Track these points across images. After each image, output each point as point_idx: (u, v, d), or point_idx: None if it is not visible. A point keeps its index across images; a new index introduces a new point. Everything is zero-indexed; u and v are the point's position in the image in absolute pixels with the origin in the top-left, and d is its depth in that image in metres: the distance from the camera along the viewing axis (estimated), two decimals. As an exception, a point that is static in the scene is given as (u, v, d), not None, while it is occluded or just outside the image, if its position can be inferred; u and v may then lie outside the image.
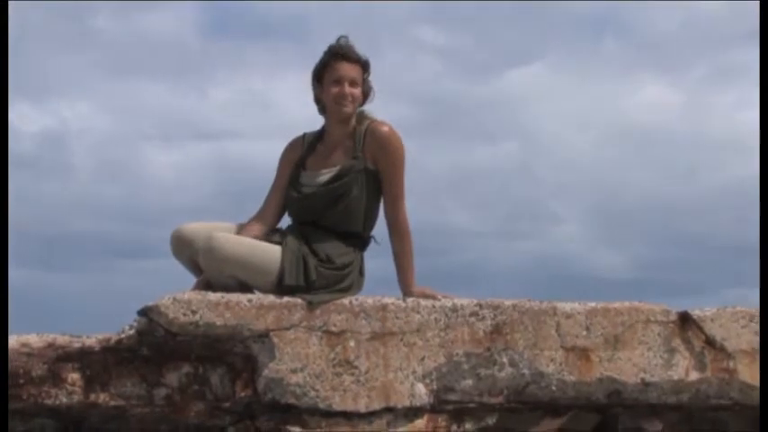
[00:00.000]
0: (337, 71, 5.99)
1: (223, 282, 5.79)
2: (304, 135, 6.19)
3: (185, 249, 5.88)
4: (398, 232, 6.03)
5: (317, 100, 6.11)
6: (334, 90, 5.99)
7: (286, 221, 6.18)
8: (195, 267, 5.89)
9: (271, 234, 5.99)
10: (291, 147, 6.18)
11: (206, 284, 5.77)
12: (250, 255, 5.80)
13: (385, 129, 5.99)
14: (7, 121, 5.94)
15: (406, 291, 5.95)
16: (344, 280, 5.88)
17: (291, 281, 5.74)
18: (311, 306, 5.69)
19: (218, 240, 5.78)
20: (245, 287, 5.81)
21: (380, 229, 6.08)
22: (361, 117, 6.06)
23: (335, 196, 5.95)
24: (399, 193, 6.02)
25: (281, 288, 5.74)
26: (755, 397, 6.13)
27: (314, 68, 6.08)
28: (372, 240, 6.10)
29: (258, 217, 6.10)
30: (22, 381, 5.48)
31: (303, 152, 6.12)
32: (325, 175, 6.00)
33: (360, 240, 6.03)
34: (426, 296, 5.90)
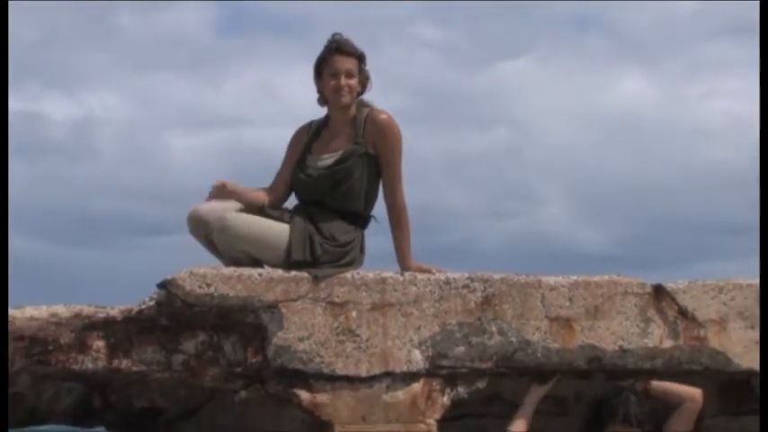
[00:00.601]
0: (334, 64, 5.98)
1: (236, 257, 5.81)
2: (311, 122, 6.19)
3: (201, 228, 5.89)
4: (397, 212, 6.03)
5: (319, 91, 6.12)
6: (332, 82, 5.98)
7: (292, 202, 6.19)
8: (210, 244, 5.91)
9: (278, 210, 6.00)
10: (299, 132, 6.18)
11: None
12: (260, 233, 5.82)
13: (384, 116, 6.00)
14: (7, 117, 5.87)
15: (404, 265, 5.96)
16: (347, 256, 5.88)
17: (299, 256, 5.76)
18: (316, 279, 5.72)
19: (230, 220, 5.80)
20: (255, 262, 5.84)
21: (380, 208, 6.09)
22: (361, 105, 6.06)
23: (338, 179, 5.95)
24: (397, 176, 6.02)
25: (288, 263, 5.76)
26: (724, 362, 6.13)
27: (315, 63, 6.08)
28: (372, 219, 6.10)
29: (268, 189, 6.12)
30: (51, 348, 5.49)
31: (309, 137, 6.12)
32: (329, 159, 5.99)
33: (361, 219, 6.02)
34: (422, 270, 5.91)
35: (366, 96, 6.13)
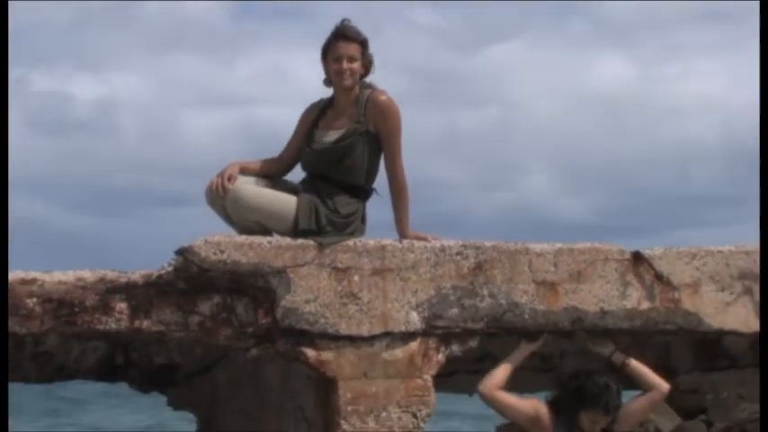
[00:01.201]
0: (338, 50, 5.96)
1: (248, 227, 5.83)
2: (321, 100, 6.16)
3: (218, 200, 5.92)
4: (397, 186, 6.03)
5: (326, 73, 6.12)
6: (335, 66, 5.97)
7: (297, 173, 6.20)
8: (227, 215, 5.95)
9: (286, 182, 6.03)
10: (310, 109, 6.17)
11: None
12: (269, 204, 5.84)
13: (383, 98, 5.98)
14: (7, 114, 5.76)
15: (403, 234, 5.97)
16: (349, 226, 5.89)
17: (305, 225, 5.78)
18: (321, 247, 5.73)
19: (242, 192, 5.82)
20: (266, 231, 5.86)
21: (381, 182, 6.11)
22: (363, 87, 6.04)
23: (340, 154, 5.94)
24: (397, 153, 6.01)
25: (295, 232, 5.78)
26: (696, 323, 6.15)
27: (322, 47, 6.06)
28: (374, 192, 6.10)
29: (278, 158, 6.13)
30: (77, 309, 5.50)
31: (317, 114, 6.10)
32: (333, 136, 5.98)
33: (362, 192, 6.02)
34: (419, 239, 5.93)
35: (370, 78, 6.12)
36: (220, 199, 5.88)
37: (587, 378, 5.79)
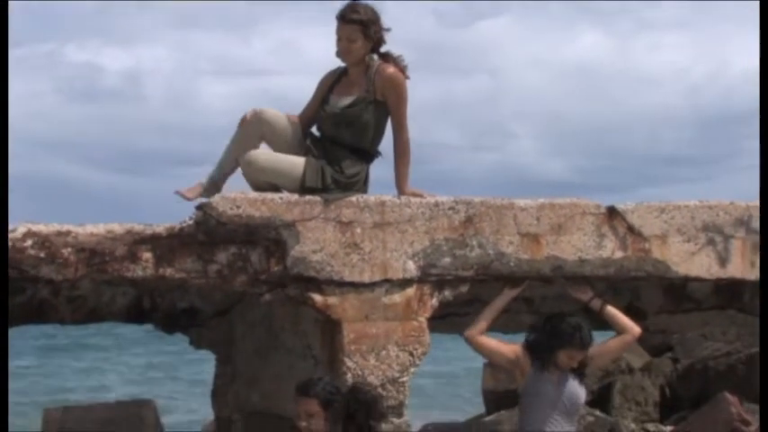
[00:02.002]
0: (339, 32, 5.92)
1: (261, 187, 5.85)
2: (338, 68, 6.11)
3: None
4: (401, 148, 6.00)
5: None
6: (338, 46, 5.95)
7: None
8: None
9: (302, 139, 6.02)
10: (327, 75, 6.12)
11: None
12: (279, 164, 5.83)
13: (390, 70, 5.92)
14: (7, 109, 5.66)
15: (401, 191, 5.97)
16: (353, 186, 5.89)
17: (311, 184, 5.78)
18: (327, 202, 5.74)
19: (254, 156, 5.84)
20: (278, 189, 5.88)
21: (385, 144, 6.10)
22: (371, 60, 5.97)
23: (349, 119, 5.92)
24: (403, 120, 5.98)
25: (302, 189, 5.79)
26: (664, 270, 6.16)
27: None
28: (378, 155, 6.06)
29: (298, 117, 6.08)
30: (107, 258, 5.52)
31: (333, 80, 6.07)
32: (344, 102, 5.95)
33: (367, 155, 6.00)
34: (416, 195, 5.93)
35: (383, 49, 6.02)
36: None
37: (561, 320, 5.76)
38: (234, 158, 5.95)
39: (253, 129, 5.95)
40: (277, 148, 5.94)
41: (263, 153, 5.89)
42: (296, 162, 5.85)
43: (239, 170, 5.96)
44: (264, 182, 5.85)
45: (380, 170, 6.09)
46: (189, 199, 5.85)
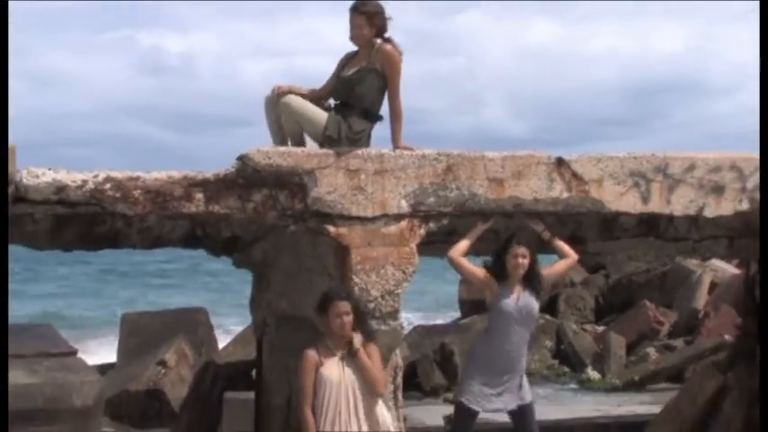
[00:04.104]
0: (350, 20, 5.87)
1: (291, 129, 5.82)
2: (352, 51, 6.03)
3: (273, 106, 5.90)
4: (395, 112, 5.94)
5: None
6: (349, 33, 5.90)
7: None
8: (273, 122, 5.92)
9: (322, 104, 5.96)
10: (344, 57, 6.06)
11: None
12: (309, 112, 5.80)
13: (388, 47, 5.87)
14: (7, 108, 5.36)
15: (396, 146, 5.92)
16: (360, 140, 5.84)
17: (331, 133, 5.75)
18: (338, 154, 5.70)
19: (292, 98, 5.82)
20: (301, 138, 5.83)
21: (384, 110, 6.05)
22: (374, 41, 5.91)
23: (354, 83, 5.85)
24: (396, 89, 5.91)
25: (323, 136, 5.76)
26: (600, 206, 6.13)
27: None
28: (380, 118, 5.98)
29: (319, 89, 6.01)
30: (168, 198, 5.50)
31: (347, 60, 6.02)
32: (351, 71, 5.90)
33: (371, 115, 5.92)
34: (407, 149, 5.89)
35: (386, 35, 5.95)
36: (275, 105, 5.84)
37: (506, 239, 5.86)
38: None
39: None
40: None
41: (299, 99, 5.85)
42: (321, 114, 5.81)
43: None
44: (295, 123, 5.81)
45: (379, 131, 6.07)
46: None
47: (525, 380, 5.90)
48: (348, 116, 5.84)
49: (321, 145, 5.84)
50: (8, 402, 5.18)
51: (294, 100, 5.84)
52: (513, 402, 5.78)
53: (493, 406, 5.78)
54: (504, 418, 6.00)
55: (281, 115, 5.89)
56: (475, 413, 5.79)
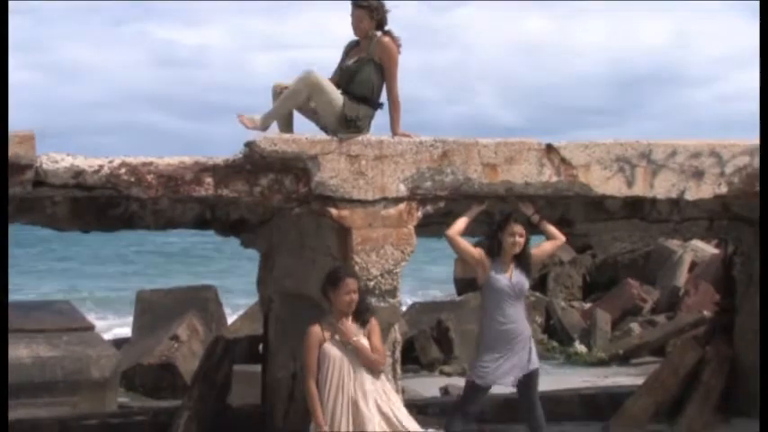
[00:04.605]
0: (352, 14, 5.83)
1: (305, 107, 5.78)
2: (353, 40, 5.96)
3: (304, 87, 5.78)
4: (393, 100, 5.90)
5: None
6: (352, 24, 5.85)
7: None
8: (304, 103, 5.85)
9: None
10: (346, 46, 5.99)
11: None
12: (334, 93, 5.75)
13: (385, 39, 5.82)
14: (7, 105, 5.33)
15: (395, 133, 5.90)
16: (363, 125, 5.80)
17: (350, 113, 5.71)
18: (340, 141, 5.68)
19: (316, 73, 5.76)
20: (314, 115, 5.81)
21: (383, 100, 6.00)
22: (374, 34, 5.86)
23: (354, 71, 5.80)
24: (394, 78, 5.87)
25: (342, 114, 5.70)
26: (587, 190, 6.10)
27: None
28: (380, 106, 5.92)
29: (330, 79, 5.88)
30: (179, 182, 5.50)
31: (349, 50, 5.96)
32: (352, 60, 5.86)
33: (371, 102, 5.86)
34: (405, 135, 5.88)
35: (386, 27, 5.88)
36: (308, 84, 5.75)
37: (504, 218, 5.85)
38: (288, 105, 5.83)
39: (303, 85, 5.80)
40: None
41: (322, 77, 5.77)
42: (339, 95, 5.76)
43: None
44: (320, 101, 5.73)
45: (378, 119, 6.05)
46: (247, 127, 5.72)
47: (533, 346, 5.84)
48: (351, 103, 5.78)
49: (333, 126, 5.76)
50: (30, 374, 5.19)
51: (318, 75, 5.74)
52: (521, 372, 5.73)
53: (502, 379, 5.73)
54: (508, 390, 5.98)
55: (308, 88, 5.76)
56: (486, 389, 5.77)
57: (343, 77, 5.86)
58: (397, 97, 5.91)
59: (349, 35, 5.99)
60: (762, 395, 5.77)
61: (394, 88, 5.89)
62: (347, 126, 5.72)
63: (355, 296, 5.13)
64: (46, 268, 31.10)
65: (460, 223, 5.84)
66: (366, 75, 5.82)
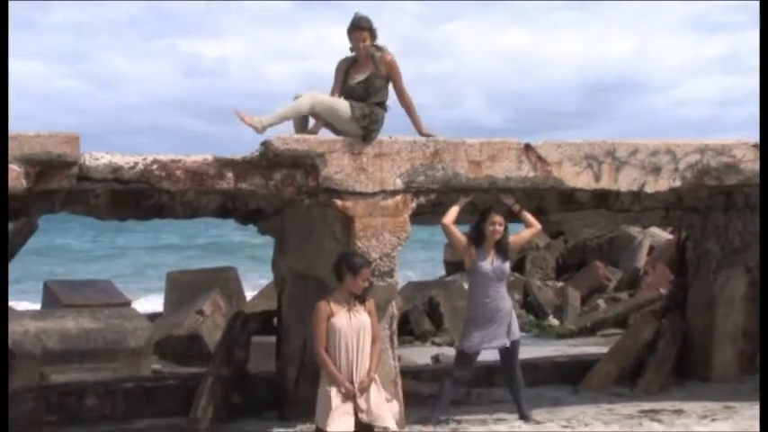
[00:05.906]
0: (355, 35, 5.72)
1: (326, 123, 5.71)
2: (347, 57, 5.88)
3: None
4: (407, 106, 5.86)
5: (350, 43, 5.80)
6: (355, 44, 5.75)
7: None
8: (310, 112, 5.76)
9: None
10: (341, 62, 5.89)
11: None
12: (332, 99, 5.72)
13: (389, 57, 5.77)
14: (7, 110, 5.11)
15: (420, 132, 5.84)
16: (377, 123, 5.72)
17: (360, 112, 5.64)
18: (345, 140, 5.63)
19: (317, 95, 5.71)
20: (328, 126, 5.75)
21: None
22: (374, 49, 5.79)
23: (366, 89, 5.74)
24: (404, 88, 5.83)
25: (353, 118, 5.62)
26: (560, 184, 6.06)
27: (347, 29, 5.79)
28: (387, 108, 5.82)
29: (331, 92, 5.85)
30: (204, 176, 5.46)
31: (348, 65, 5.87)
32: (359, 78, 5.77)
33: (382, 107, 5.79)
34: (431, 134, 5.83)
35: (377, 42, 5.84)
36: (311, 96, 5.69)
37: (485, 209, 5.83)
38: (288, 114, 5.74)
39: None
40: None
41: (322, 96, 5.72)
42: (343, 101, 5.69)
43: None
44: (332, 117, 5.67)
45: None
46: (244, 122, 5.61)
47: (515, 319, 6.01)
48: (361, 105, 5.72)
49: (353, 129, 5.69)
50: (76, 343, 5.14)
51: (316, 98, 5.69)
52: (505, 341, 5.90)
53: (488, 345, 5.91)
54: (493, 357, 6.09)
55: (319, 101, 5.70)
56: (474, 355, 5.93)
57: (356, 92, 5.75)
58: (410, 101, 5.87)
59: (344, 50, 5.91)
60: (761, 394, 5.65)
61: (405, 95, 5.85)
62: (364, 122, 5.64)
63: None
64: (90, 251, 30.99)
65: (453, 211, 5.85)
66: (379, 85, 5.77)
